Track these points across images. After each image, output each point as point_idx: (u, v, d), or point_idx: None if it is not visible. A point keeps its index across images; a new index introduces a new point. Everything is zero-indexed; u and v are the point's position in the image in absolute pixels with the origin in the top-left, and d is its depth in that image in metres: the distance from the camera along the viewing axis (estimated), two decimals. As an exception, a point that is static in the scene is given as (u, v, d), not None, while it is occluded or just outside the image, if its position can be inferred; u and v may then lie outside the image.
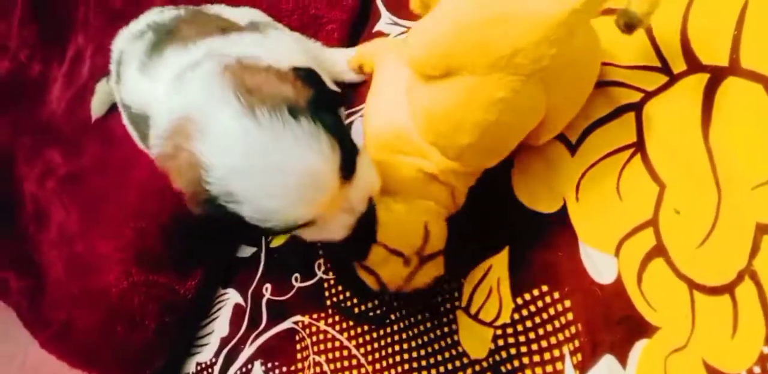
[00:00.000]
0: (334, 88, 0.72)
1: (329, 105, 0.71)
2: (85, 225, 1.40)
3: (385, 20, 1.19)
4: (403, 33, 1.14)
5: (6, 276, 1.54)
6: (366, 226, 0.77)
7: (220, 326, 1.26)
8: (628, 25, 0.71)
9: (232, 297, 1.25)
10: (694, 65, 0.77)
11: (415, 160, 0.83)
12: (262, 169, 0.65)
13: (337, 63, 1.11)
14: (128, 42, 1.00)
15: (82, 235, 1.39)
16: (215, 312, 1.28)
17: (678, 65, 0.78)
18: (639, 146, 0.79)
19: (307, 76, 0.71)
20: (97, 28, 1.48)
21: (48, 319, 1.40)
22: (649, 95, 0.80)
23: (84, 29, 1.54)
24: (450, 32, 0.75)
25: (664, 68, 0.79)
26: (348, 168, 0.70)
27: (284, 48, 0.92)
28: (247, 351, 1.19)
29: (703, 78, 0.76)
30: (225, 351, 1.23)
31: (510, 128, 0.80)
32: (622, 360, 0.74)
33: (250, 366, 1.17)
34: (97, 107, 1.16)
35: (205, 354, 1.27)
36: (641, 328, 0.73)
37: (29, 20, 1.63)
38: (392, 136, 0.85)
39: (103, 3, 1.47)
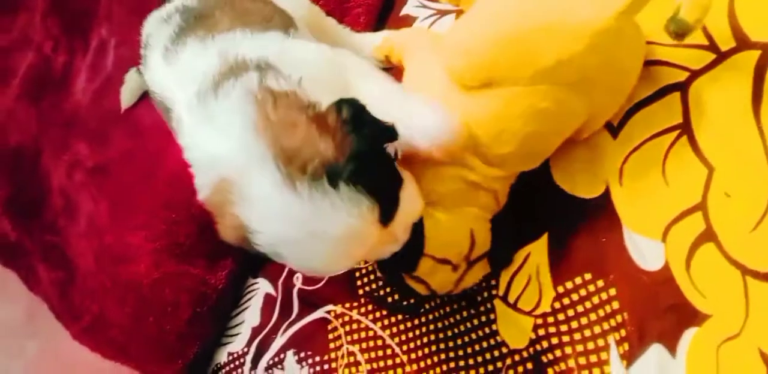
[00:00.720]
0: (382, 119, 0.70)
1: (375, 145, 0.70)
2: (114, 217, 1.39)
3: (413, 3, 1.16)
4: (432, 16, 1.11)
5: (37, 268, 1.54)
6: (414, 241, 0.78)
7: (251, 316, 1.25)
8: (679, 34, 0.68)
9: (262, 287, 1.25)
10: (743, 42, 0.74)
11: (456, 170, 0.80)
12: (304, 237, 0.67)
13: (362, 50, 1.08)
14: (155, 25, 0.98)
15: (111, 226, 1.39)
16: (246, 301, 1.28)
17: (726, 42, 0.75)
18: (685, 128, 0.76)
19: (351, 115, 0.69)
20: (120, 20, 1.48)
21: (80, 311, 1.40)
22: (695, 74, 0.77)
23: (107, 21, 1.54)
24: (492, 43, 0.73)
25: (711, 46, 0.76)
26: (389, 215, 0.70)
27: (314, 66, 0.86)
28: (279, 340, 1.18)
29: (753, 55, 0.73)
30: (257, 340, 1.22)
31: (553, 134, 0.78)
32: (672, 348, 0.71)
33: (282, 356, 1.16)
34: (126, 97, 1.16)
35: (236, 344, 1.26)
36: (691, 316, 0.70)
37: (52, 12, 1.63)
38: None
39: (125, -6, 1.47)
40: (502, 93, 0.74)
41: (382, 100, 0.77)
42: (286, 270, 1.20)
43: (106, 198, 1.43)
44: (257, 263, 1.27)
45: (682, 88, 0.77)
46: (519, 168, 0.82)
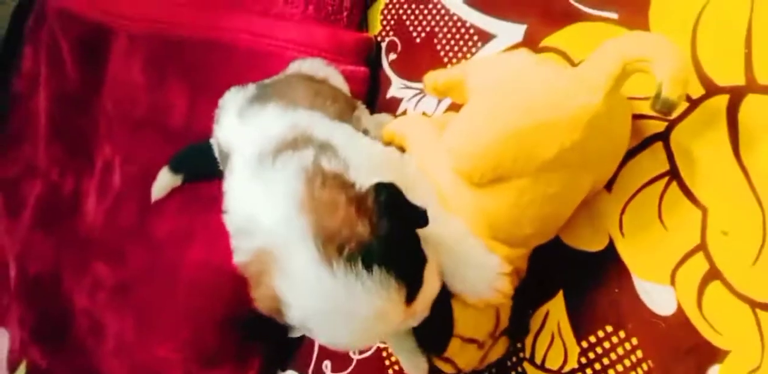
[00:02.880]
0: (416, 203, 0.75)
1: (407, 229, 0.73)
2: (141, 332, 1.39)
3: (397, 85, 1.21)
4: (415, 96, 1.16)
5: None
6: (443, 324, 0.81)
7: (285, 410, 1.25)
8: (665, 112, 0.71)
9: (293, 379, 1.25)
10: (711, 88, 0.77)
11: None
12: (334, 314, 0.69)
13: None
14: (233, 93, 1.03)
15: (139, 342, 1.39)
16: (280, 397, 1.28)
17: (696, 90, 0.78)
18: (673, 174, 0.79)
19: (387, 199, 0.72)
20: (122, 138, 1.51)
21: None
22: (673, 123, 0.80)
23: (109, 140, 1.58)
24: (493, 145, 0.76)
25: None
26: (414, 296, 0.72)
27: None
28: (317, 430, 1.17)
29: (723, 99, 0.76)
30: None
31: (565, 210, 0.82)
32: (699, 389, 0.72)
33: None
34: (157, 191, 1.20)
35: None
36: (711, 354, 0.72)
37: (54, 138, 1.67)
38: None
39: (123, 114, 1.51)
40: (511, 185, 0.77)
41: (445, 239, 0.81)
42: (314, 358, 1.20)
43: (130, 314, 1.43)
44: (284, 356, 1.28)
45: (664, 137, 0.81)
46: (538, 243, 0.85)
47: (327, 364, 1.18)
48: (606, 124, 0.75)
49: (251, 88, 1.01)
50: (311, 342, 1.21)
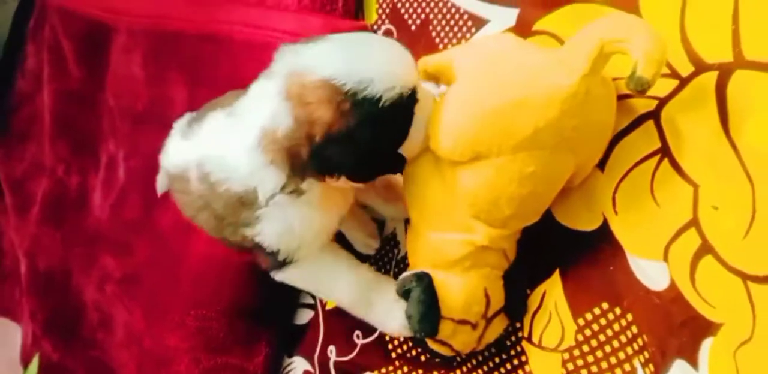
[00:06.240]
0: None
1: None
2: (149, 322, 1.42)
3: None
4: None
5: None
6: (431, 306, 0.85)
7: (294, 395, 1.27)
8: (639, 90, 0.72)
9: (299, 365, 1.26)
10: (700, 65, 0.78)
11: (462, 236, 0.85)
12: None
13: None
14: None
15: (148, 332, 1.41)
16: (286, 381, 1.30)
17: (685, 68, 0.79)
18: (665, 151, 0.80)
19: None
20: (125, 133, 1.53)
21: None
22: (663, 101, 0.81)
23: (112, 135, 1.60)
24: (471, 122, 0.78)
25: (673, 73, 0.80)
26: None
27: None
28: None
29: (711, 76, 0.77)
30: (303, 419, 1.24)
31: (546, 191, 0.83)
32: (693, 362, 0.73)
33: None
34: (162, 184, 1.21)
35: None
36: (705, 327, 0.73)
37: (59, 136, 1.68)
38: (434, 214, 0.87)
39: (125, 109, 1.53)
40: (490, 163, 0.79)
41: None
42: (319, 343, 1.22)
43: (138, 306, 1.45)
44: (290, 342, 1.30)
45: (655, 115, 0.82)
46: (521, 225, 0.86)
47: (332, 349, 1.19)
48: (584, 105, 0.76)
49: (186, 116, 1.04)
50: (315, 329, 1.23)
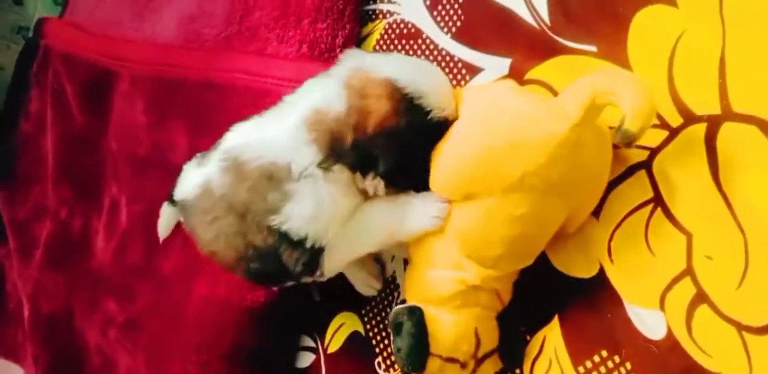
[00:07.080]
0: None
1: None
2: (151, 368, 1.42)
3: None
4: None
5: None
6: (420, 341, 0.85)
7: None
8: (626, 143, 0.74)
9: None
10: (689, 117, 0.80)
11: (454, 273, 0.86)
12: None
13: None
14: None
15: (151, 377, 1.41)
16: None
17: (675, 119, 0.81)
18: (657, 200, 0.82)
19: None
20: (127, 177, 1.55)
21: None
22: (654, 151, 0.83)
23: (115, 179, 1.61)
24: (464, 161, 0.81)
25: (663, 123, 0.82)
26: None
27: None
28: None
29: (701, 128, 0.79)
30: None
31: (537, 235, 0.84)
32: (691, 411, 0.74)
33: None
34: (163, 228, 1.21)
35: None
36: (702, 377, 0.74)
37: (62, 179, 1.70)
38: (430, 250, 0.89)
39: (128, 153, 1.55)
40: (481, 204, 0.81)
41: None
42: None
43: (141, 351, 1.45)
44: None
45: (647, 165, 0.83)
46: (513, 267, 0.87)
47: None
48: (574, 153, 0.78)
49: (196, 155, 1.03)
50: (318, 372, 1.23)
